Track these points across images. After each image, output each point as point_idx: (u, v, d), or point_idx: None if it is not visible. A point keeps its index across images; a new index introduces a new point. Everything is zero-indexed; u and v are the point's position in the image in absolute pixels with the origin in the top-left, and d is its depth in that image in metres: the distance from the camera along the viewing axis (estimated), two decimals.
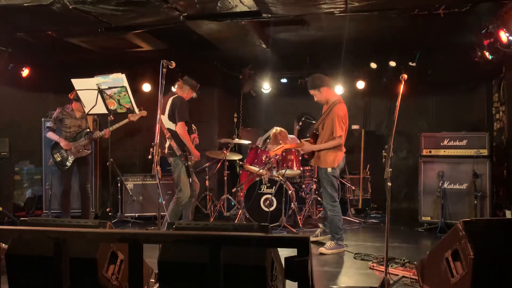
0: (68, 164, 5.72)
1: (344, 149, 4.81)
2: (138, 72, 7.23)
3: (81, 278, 2.45)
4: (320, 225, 5.22)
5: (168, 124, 4.92)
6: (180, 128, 4.86)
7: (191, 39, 5.74)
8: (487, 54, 5.25)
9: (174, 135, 4.89)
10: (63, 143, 5.68)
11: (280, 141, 6.30)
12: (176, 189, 5.04)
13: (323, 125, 4.75)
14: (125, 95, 4.81)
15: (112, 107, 4.93)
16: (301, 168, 6.17)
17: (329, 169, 4.68)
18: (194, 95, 5.22)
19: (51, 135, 5.79)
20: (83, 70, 6.30)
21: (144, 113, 5.76)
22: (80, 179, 5.92)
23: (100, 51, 6.24)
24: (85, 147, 5.78)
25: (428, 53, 6.54)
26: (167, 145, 4.91)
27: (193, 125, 5.39)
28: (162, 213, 4.85)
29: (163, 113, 4.92)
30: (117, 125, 5.78)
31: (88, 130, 5.85)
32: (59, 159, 5.74)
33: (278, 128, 6.51)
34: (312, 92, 4.79)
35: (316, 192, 6.53)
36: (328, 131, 4.68)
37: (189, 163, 4.99)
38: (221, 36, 5.65)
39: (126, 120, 5.81)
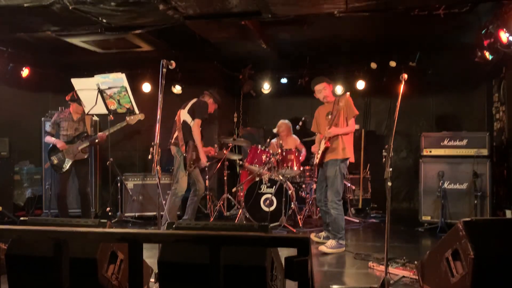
0: (65, 166, 5.66)
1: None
2: (138, 72, 7.24)
3: (81, 278, 2.45)
4: (325, 232, 5.17)
5: (185, 116, 5.31)
6: (195, 125, 5.22)
7: (191, 39, 5.74)
8: (487, 54, 5.25)
9: (184, 127, 5.23)
10: (59, 144, 5.63)
11: (281, 141, 6.31)
12: (173, 180, 5.21)
13: (338, 116, 4.75)
14: (125, 95, 4.81)
15: (112, 107, 4.94)
16: (301, 168, 6.17)
17: (349, 160, 4.76)
18: (214, 108, 5.60)
19: (48, 139, 5.75)
20: (83, 70, 6.32)
21: (142, 116, 5.75)
22: (80, 183, 5.84)
23: (100, 51, 6.24)
24: (82, 150, 5.73)
25: (428, 53, 6.54)
26: (175, 135, 5.25)
27: (216, 145, 5.86)
28: (162, 213, 4.91)
29: (184, 108, 5.39)
30: (114, 129, 5.74)
31: (86, 133, 5.80)
32: (56, 162, 5.68)
33: (284, 121, 6.65)
34: (323, 85, 4.88)
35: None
36: (342, 119, 4.75)
37: (193, 158, 5.13)
38: (221, 36, 5.67)
39: (124, 123, 5.80)
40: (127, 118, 5.70)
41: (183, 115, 5.30)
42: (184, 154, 5.14)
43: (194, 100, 5.42)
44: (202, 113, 5.28)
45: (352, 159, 4.83)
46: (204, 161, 5.36)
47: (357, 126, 7.49)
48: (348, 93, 4.79)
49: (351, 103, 4.75)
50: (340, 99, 4.73)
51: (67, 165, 5.66)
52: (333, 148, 4.74)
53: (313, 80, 5.01)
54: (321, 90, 4.90)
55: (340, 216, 4.72)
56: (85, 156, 5.78)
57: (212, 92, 5.53)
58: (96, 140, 5.76)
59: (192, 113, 5.28)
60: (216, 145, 5.83)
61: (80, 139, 5.73)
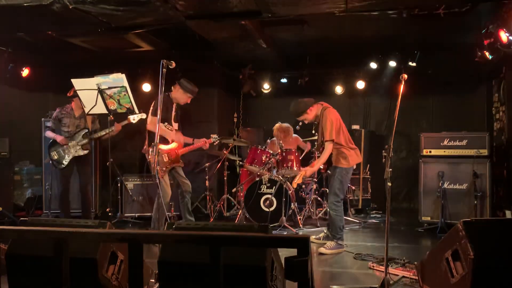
0: (65, 162, 5.68)
1: (355, 147, 4.84)
2: (138, 72, 7.23)
3: (81, 278, 2.45)
4: (325, 230, 5.18)
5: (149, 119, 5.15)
6: (149, 123, 5.02)
7: (191, 39, 5.74)
8: (487, 54, 5.25)
9: (149, 132, 5.03)
10: (59, 138, 5.65)
11: (280, 141, 6.30)
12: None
13: (322, 135, 4.79)
14: (125, 95, 4.81)
15: (112, 107, 4.93)
16: (301, 168, 6.16)
17: (353, 167, 4.74)
18: (189, 98, 5.25)
19: (49, 133, 5.79)
20: (83, 70, 6.28)
21: (143, 115, 5.76)
22: (81, 180, 5.86)
23: (100, 51, 6.24)
24: (83, 147, 5.74)
25: (428, 53, 6.54)
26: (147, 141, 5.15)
27: (213, 135, 5.54)
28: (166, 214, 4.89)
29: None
30: (121, 123, 5.78)
31: (87, 130, 5.82)
32: (55, 157, 5.71)
33: (281, 125, 6.57)
34: (302, 117, 4.83)
35: (316, 192, 6.53)
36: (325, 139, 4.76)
37: (163, 160, 5.04)
38: (221, 36, 5.66)
39: (125, 122, 5.81)
40: (129, 117, 5.70)
41: (148, 120, 5.07)
42: (148, 160, 5.03)
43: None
44: (153, 111, 5.01)
45: (356, 162, 4.79)
46: (172, 136, 5.12)
47: (357, 126, 7.53)
48: (327, 112, 4.69)
49: (327, 125, 4.62)
50: (323, 116, 4.70)
51: (66, 160, 5.68)
52: (336, 158, 4.74)
53: (291, 111, 4.85)
54: (303, 120, 4.87)
55: (338, 217, 4.73)
56: (86, 152, 5.78)
57: (181, 80, 5.16)
58: (106, 131, 5.73)
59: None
60: (213, 135, 5.58)
61: (81, 136, 5.74)
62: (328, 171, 4.86)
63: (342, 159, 4.70)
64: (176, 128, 5.31)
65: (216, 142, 5.68)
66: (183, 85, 5.16)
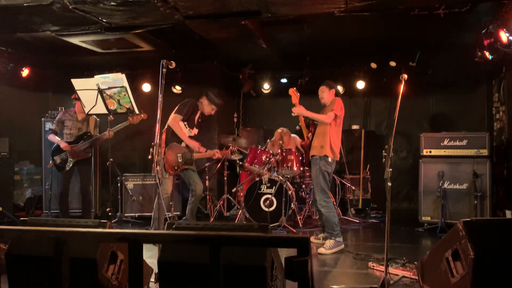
0: (68, 166, 5.70)
1: (338, 151, 4.87)
2: (138, 72, 7.24)
3: (81, 278, 2.45)
4: (324, 233, 5.15)
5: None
6: (171, 120, 5.07)
7: (191, 39, 5.74)
8: (487, 54, 5.25)
9: (168, 129, 5.09)
10: (62, 145, 5.66)
11: (281, 142, 6.30)
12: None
13: (323, 111, 4.88)
14: (125, 95, 4.81)
15: (112, 107, 4.94)
16: (301, 168, 6.17)
17: (329, 159, 4.72)
18: (212, 110, 5.37)
19: (52, 137, 5.78)
20: (83, 70, 6.31)
21: (144, 116, 5.76)
22: (82, 181, 5.88)
23: (100, 51, 6.24)
24: (84, 150, 5.75)
25: (428, 53, 6.54)
26: (163, 137, 5.14)
27: (230, 148, 5.61)
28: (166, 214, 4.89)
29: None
30: (118, 127, 5.77)
31: (89, 133, 5.82)
32: (58, 161, 5.72)
33: (282, 129, 6.56)
34: (324, 88, 5.00)
35: None
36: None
37: (177, 160, 5.04)
38: (221, 36, 5.66)
39: (126, 123, 5.80)
40: (129, 118, 5.70)
41: (171, 117, 5.17)
42: (162, 156, 5.05)
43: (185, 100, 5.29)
44: (180, 109, 5.11)
45: (334, 157, 4.79)
46: (196, 147, 5.20)
47: (357, 126, 7.53)
48: (337, 99, 4.90)
49: (335, 103, 4.82)
50: (332, 101, 4.90)
51: (70, 164, 5.69)
52: (313, 146, 4.82)
53: (328, 80, 5.18)
54: (320, 92, 5.02)
55: (331, 213, 4.73)
56: (87, 156, 5.79)
57: (209, 92, 5.35)
58: (105, 137, 5.74)
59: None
60: (231, 148, 5.70)
61: (82, 139, 5.74)
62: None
63: (320, 147, 4.74)
64: (196, 133, 5.37)
65: (234, 150, 5.70)
66: (209, 97, 5.31)
